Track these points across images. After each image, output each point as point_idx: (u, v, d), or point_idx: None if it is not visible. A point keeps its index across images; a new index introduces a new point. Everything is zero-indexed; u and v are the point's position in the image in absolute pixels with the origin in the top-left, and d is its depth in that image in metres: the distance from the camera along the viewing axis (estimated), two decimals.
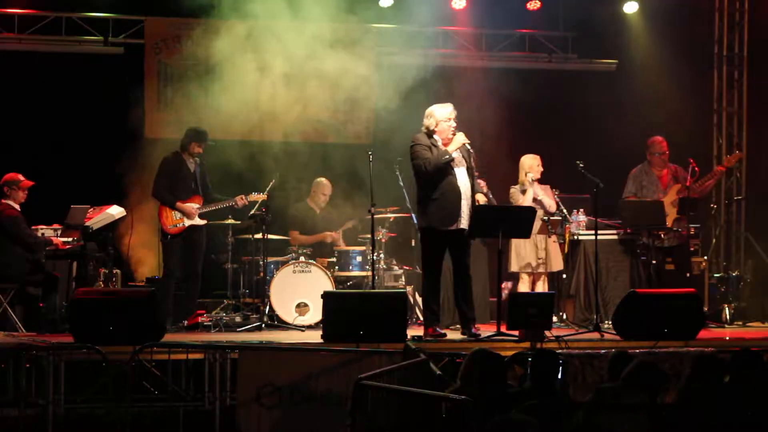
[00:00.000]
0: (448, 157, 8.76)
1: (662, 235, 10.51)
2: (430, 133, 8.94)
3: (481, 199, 9.30)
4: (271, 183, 10.41)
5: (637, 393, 5.95)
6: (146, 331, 7.84)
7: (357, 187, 10.96)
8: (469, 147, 8.95)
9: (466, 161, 8.91)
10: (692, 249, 11.14)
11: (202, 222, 10.21)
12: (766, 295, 11.93)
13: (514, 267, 10.49)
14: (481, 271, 10.38)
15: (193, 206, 10.15)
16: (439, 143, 8.88)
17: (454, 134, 8.90)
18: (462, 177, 8.88)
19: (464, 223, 8.82)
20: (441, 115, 8.93)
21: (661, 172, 10.79)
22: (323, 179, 11.44)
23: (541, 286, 10.41)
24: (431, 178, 8.78)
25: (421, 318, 10.67)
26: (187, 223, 10.14)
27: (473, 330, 8.76)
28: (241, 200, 10.25)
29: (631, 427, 5.66)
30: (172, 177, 10.20)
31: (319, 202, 11.39)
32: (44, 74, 12.00)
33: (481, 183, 10.15)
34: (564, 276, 10.67)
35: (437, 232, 8.81)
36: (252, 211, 10.28)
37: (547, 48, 13.27)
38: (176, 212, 10.13)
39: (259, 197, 10.31)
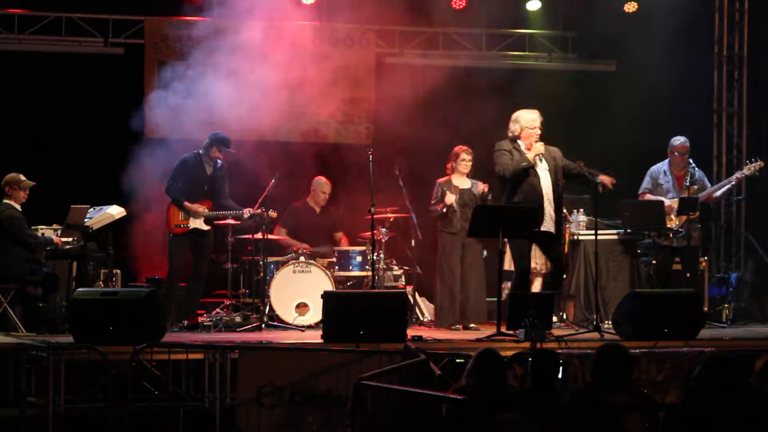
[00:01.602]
0: (526, 164, 8.98)
1: (671, 235, 10.49)
2: (514, 138, 9.15)
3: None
4: (271, 183, 10.41)
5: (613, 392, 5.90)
6: (146, 331, 7.84)
7: (357, 187, 10.95)
8: (553, 154, 9.17)
9: (549, 163, 9.08)
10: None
11: (207, 227, 10.22)
12: (766, 295, 11.92)
13: (509, 266, 10.48)
14: (479, 270, 10.37)
15: (200, 208, 10.16)
16: (522, 148, 9.10)
17: (537, 140, 9.08)
18: (545, 179, 9.08)
19: (548, 225, 9.06)
20: (526, 121, 9.19)
21: (680, 172, 10.78)
22: (322, 178, 11.44)
23: (538, 287, 10.40)
24: (512, 182, 9.02)
25: (421, 318, 10.70)
26: (192, 225, 10.16)
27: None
28: (247, 213, 10.25)
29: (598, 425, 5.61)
30: (187, 177, 10.23)
31: (319, 201, 11.38)
32: (44, 74, 12.00)
33: (480, 186, 10.22)
34: (564, 276, 10.66)
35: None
36: (252, 212, 10.28)
37: (547, 48, 13.26)
38: (182, 213, 10.15)
39: (267, 213, 10.29)
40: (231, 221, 10.44)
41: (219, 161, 10.35)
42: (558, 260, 9.45)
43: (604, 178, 9.25)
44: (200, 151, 10.34)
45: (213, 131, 10.40)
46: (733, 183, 11.05)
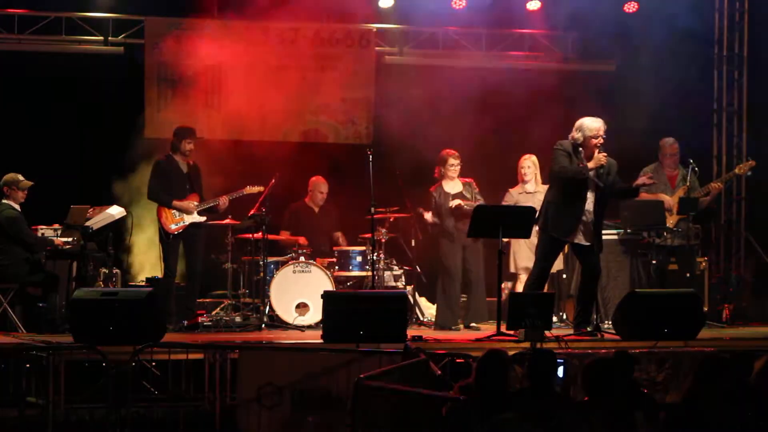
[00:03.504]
0: (585, 173, 8.77)
1: (665, 234, 10.49)
2: (576, 146, 8.93)
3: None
4: (272, 182, 10.41)
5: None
6: (146, 331, 7.84)
7: (357, 187, 10.95)
8: (608, 168, 8.91)
9: (599, 178, 8.86)
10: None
11: (202, 219, 10.21)
12: (766, 295, 11.92)
13: (512, 267, 10.51)
14: (479, 270, 10.37)
15: (190, 203, 10.15)
16: (581, 156, 8.88)
17: (599, 150, 8.90)
18: (590, 193, 8.88)
19: (580, 237, 8.90)
20: (590, 130, 8.92)
21: (672, 172, 10.78)
22: (319, 177, 11.45)
23: (520, 287, 10.40)
24: (560, 185, 8.89)
25: (421, 318, 10.69)
26: (188, 220, 10.14)
27: (582, 330, 8.91)
28: (223, 202, 10.22)
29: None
30: (166, 179, 10.20)
31: (317, 201, 11.38)
32: (44, 74, 12.00)
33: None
34: (564, 276, 10.67)
35: (552, 237, 8.96)
36: (252, 211, 10.29)
37: (547, 48, 13.26)
38: (175, 211, 10.14)
39: (256, 189, 10.31)
40: (230, 221, 10.44)
41: (191, 163, 10.30)
42: (589, 271, 9.10)
43: (639, 182, 9.18)
44: (170, 152, 10.31)
45: (174, 128, 10.36)
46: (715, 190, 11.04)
